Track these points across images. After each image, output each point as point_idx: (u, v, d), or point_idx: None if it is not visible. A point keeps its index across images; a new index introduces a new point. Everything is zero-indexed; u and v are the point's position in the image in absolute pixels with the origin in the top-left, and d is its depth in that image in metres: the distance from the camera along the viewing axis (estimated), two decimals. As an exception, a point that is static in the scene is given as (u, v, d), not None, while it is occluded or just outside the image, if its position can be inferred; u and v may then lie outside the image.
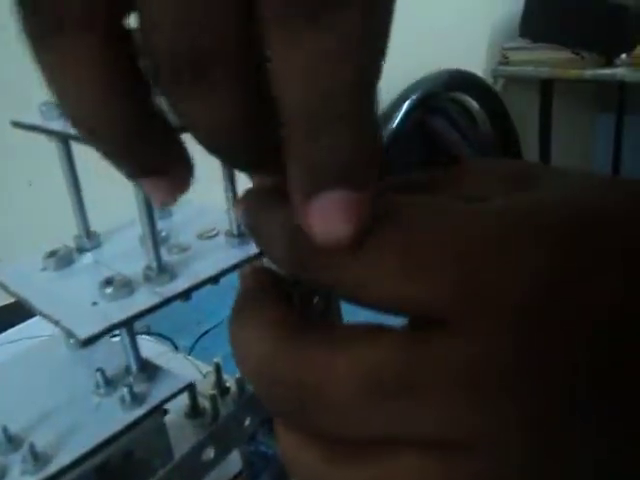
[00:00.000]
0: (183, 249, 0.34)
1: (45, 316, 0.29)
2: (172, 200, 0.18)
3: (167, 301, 0.30)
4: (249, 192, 0.19)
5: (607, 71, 1.72)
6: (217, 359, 0.41)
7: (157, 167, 0.17)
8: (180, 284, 0.31)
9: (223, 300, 0.65)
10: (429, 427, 0.14)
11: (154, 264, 0.31)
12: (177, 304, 0.51)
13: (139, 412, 0.30)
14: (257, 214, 0.18)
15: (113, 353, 0.34)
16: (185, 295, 0.30)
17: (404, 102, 1.50)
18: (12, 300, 0.32)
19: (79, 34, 0.14)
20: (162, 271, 0.31)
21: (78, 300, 0.30)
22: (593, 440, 0.14)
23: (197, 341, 0.51)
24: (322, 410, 0.15)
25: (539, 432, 0.14)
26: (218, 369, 0.41)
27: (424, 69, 1.58)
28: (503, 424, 0.14)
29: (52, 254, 0.33)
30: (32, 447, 0.28)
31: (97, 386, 0.32)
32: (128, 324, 0.29)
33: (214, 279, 0.31)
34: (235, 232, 0.34)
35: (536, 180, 0.18)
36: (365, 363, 0.14)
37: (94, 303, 0.30)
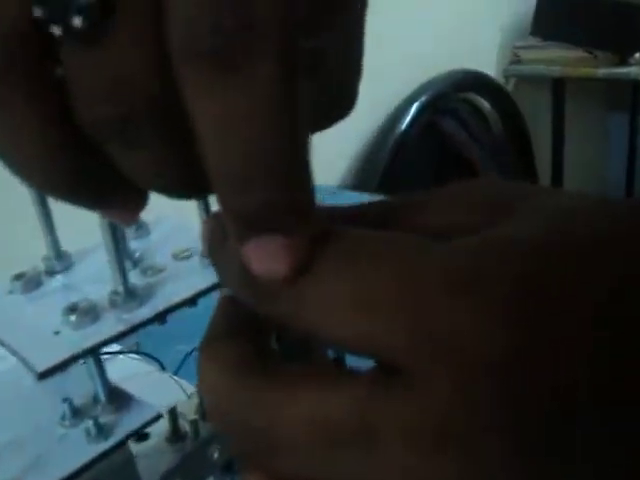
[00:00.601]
0: (158, 270, 0.32)
1: (3, 344, 0.28)
2: (130, 223, 0.18)
3: (134, 328, 0.28)
4: (212, 218, 0.18)
5: (621, 70, 1.69)
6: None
7: (106, 201, 0.16)
8: (149, 309, 0.29)
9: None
10: (381, 476, 0.14)
11: (121, 288, 0.29)
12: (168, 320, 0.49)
13: (104, 445, 0.29)
14: (214, 243, 0.17)
15: (83, 380, 0.32)
16: (156, 320, 0.29)
17: (413, 104, 1.48)
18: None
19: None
20: (129, 296, 0.29)
21: (40, 328, 0.29)
22: None
23: (184, 360, 0.49)
24: (274, 453, 0.15)
25: None
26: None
27: (434, 70, 1.56)
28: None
29: (19, 277, 0.32)
30: (-10, 484, 0.26)
31: (63, 417, 0.30)
32: (91, 354, 0.27)
33: (188, 302, 0.30)
34: (210, 253, 0.32)
35: (510, 210, 0.16)
36: (315, 409, 0.14)
37: (56, 332, 0.28)
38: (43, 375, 0.26)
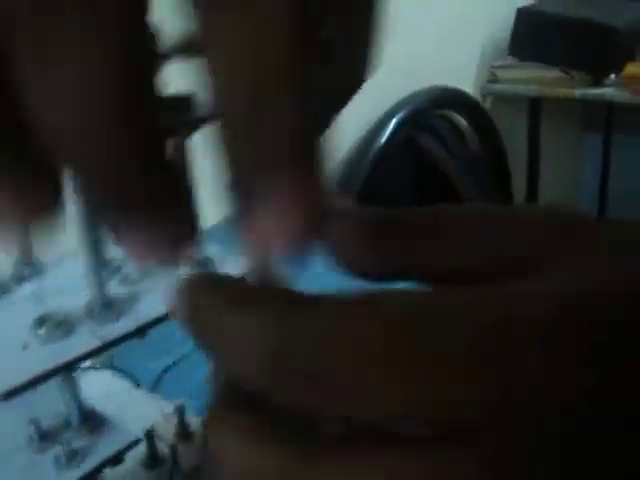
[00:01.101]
0: (136, 280, 0.29)
1: (-37, 361, 0.24)
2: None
3: (112, 343, 0.25)
4: (191, 281, 0.15)
5: (596, 91, 1.70)
6: (180, 400, 0.37)
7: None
8: (127, 323, 0.26)
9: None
10: None
11: (97, 299, 0.26)
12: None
13: (76, 474, 0.26)
14: (210, 311, 0.14)
15: (54, 399, 0.29)
16: (136, 335, 0.26)
17: (392, 119, 1.47)
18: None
19: None
20: (106, 307, 0.26)
21: (6, 341, 0.26)
22: None
23: (161, 376, 0.46)
24: None
25: None
26: (181, 412, 0.36)
27: (413, 86, 1.55)
28: None
29: (-17, 283, 0.29)
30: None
31: (30, 441, 0.27)
32: (62, 372, 0.24)
33: (168, 316, 0.27)
34: (196, 260, 0.29)
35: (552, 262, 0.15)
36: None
37: (24, 347, 0.25)
38: (8, 395, 0.23)
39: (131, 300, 0.28)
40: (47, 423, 0.27)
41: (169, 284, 0.29)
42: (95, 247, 0.26)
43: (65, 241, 0.33)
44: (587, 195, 2.24)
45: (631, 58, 1.66)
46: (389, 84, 1.49)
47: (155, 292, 0.29)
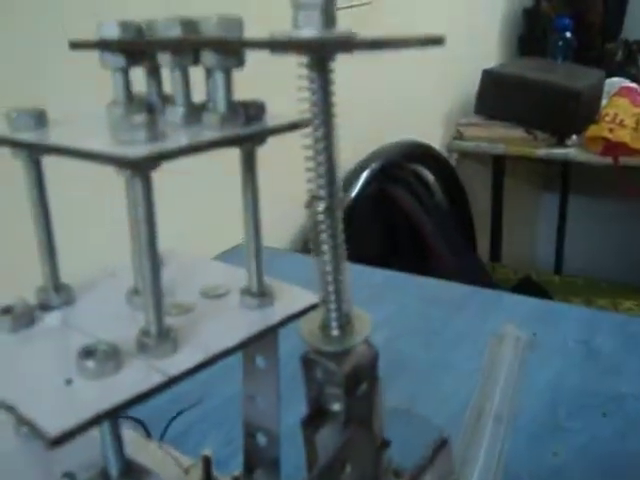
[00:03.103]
0: (185, 310, 0.26)
1: (-4, 399, 0.20)
2: None
3: (172, 381, 0.21)
4: None
5: (559, 150, 1.75)
6: (207, 451, 0.33)
7: None
8: (187, 357, 0.22)
9: (202, 377, 0.56)
10: None
11: (153, 328, 0.22)
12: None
13: (120, 539, 0.21)
14: None
15: (84, 447, 0.25)
16: (198, 370, 0.22)
17: (364, 170, 1.47)
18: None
19: None
20: (163, 338, 0.22)
21: (44, 376, 0.21)
22: None
23: (169, 424, 0.42)
24: None
25: None
26: (207, 464, 0.32)
27: (383, 140, 1.56)
28: None
29: (6, 311, 0.25)
30: None
31: (60, 498, 0.23)
32: (117, 413, 0.20)
33: (231, 352, 0.23)
34: (255, 290, 0.26)
35: None
36: None
37: (68, 381, 0.21)
38: (57, 442, 0.19)
39: (184, 332, 0.24)
40: (82, 476, 0.23)
41: (225, 317, 0.25)
42: (155, 270, 0.22)
43: (94, 264, 0.29)
44: (545, 252, 2.28)
45: (592, 120, 1.71)
46: (360, 137, 1.50)
47: (209, 325, 0.25)
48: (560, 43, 1.94)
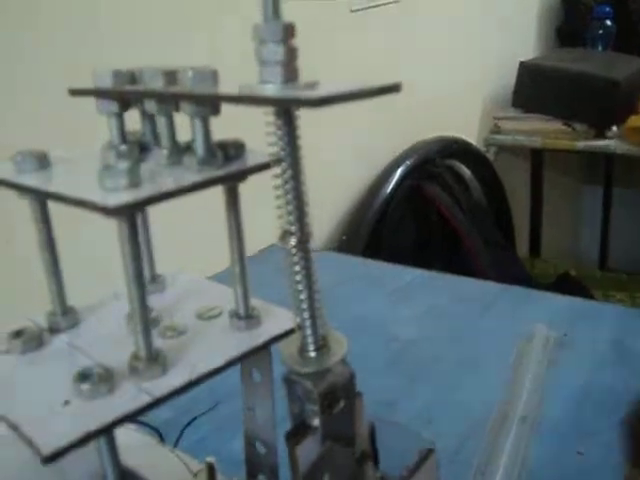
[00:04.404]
0: (179, 332, 0.28)
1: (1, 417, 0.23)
2: None
3: (157, 402, 0.24)
4: None
5: (599, 142, 1.72)
6: (210, 458, 0.35)
7: None
8: (174, 379, 0.25)
9: (218, 384, 0.58)
10: None
11: (142, 353, 0.25)
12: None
13: None
14: None
15: (84, 459, 0.28)
16: (184, 391, 0.24)
17: (399, 167, 1.47)
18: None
19: None
20: (152, 361, 0.25)
21: (45, 398, 0.24)
22: None
23: (183, 430, 0.44)
24: None
25: None
26: (211, 471, 0.34)
27: (418, 136, 1.56)
28: None
29: (18, 334, 0.27)
30: None
31: (63, 505, 0.25)
32: (106, 431, 0.23)
33: (216, 373, 0.26)
34: (242, 314, 0.28)
35: None
36: None
37: (66, 402, 0.24)
38: (50, 459, 0.21)
39: (175, 354, 0.26)
40: (82, 485, 0.26)
41: (215, 338, 0.28)
42: (143, 294, 0.24)
43: (100, 289, 0.32)
44: (588, 246, 2.24)
45: (633, 110, 1.68)
46: (395, 134, 1.50)
47: (199, 345, 0.27)
48: (600, 32, 1.90)
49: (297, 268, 0.24)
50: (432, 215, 1.51)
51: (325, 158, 1.34)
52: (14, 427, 0.22)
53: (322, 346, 0.26)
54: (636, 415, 0.24)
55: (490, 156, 1.83)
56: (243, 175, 0.25)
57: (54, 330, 0.29)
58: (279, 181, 0.24)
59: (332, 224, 1.41)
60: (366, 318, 0.99)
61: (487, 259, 1.50)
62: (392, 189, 1.44)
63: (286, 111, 0.22)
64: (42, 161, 0.27)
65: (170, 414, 0.45)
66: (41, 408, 0.23)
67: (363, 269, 1.16)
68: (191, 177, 0.24)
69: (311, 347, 0.26)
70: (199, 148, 0.25)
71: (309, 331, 0.25)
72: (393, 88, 0.22)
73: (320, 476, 0.26)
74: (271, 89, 0.21)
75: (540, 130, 1.79)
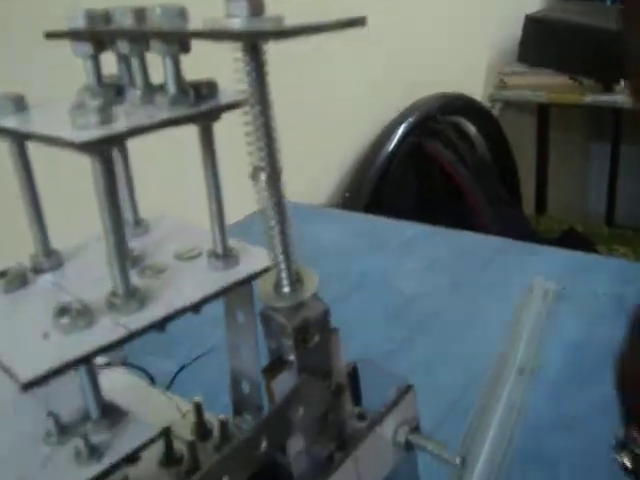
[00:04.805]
0: (158, 271, 0.29)
1: (-17, 350, 0.24)
2: None
3: (133, 335, 0.24)
4: None
5: (606, 97, 1.69)
6: (198, 398, 0.36)
7: None
8: (150, 314, 0.25)
9: (208, 330, 0.59)
10: None
11: (120, 289, 0.26)
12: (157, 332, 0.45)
13: (97, 468, 0.25)
14: None
15: (73, 393, 0.29)
16: (157, 327, 0.25)
17: (400, 125, 1.46)
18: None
19: None
20: (129, 297, 0.26)
21: (26, 331, 0.25)
22: None
23: (177, 374, 0.45)
24: None
25: None
26: (199, 409, 0.35)
27: (421, 92, 1.55)
28: None
29: (2, 274, 0.28)
30: (-40, 514, 0.22)
31: (48, 434, 0.26)
32: (83, 362, 0.24)
33: (193, 308, 0.26)
34: (220, 252, 0.29)
35: None
36: None
37: (45, 335, 0.24)
38: (28, 385, 0.22)
39: (151, 291, 0.27)
40: (66, 417, 0.27)
41: (192, 276, 0.28)
42: (120, 233, 0.25)
43: (83, 231, 0.32)
44: (595, 203, 2.23)
45: (641, 65, 1.65)
46: (397, 91, 1.49)
47: (175, 284, 0.28)
48: (609, -17, 1.87)
49: (269, 203, 0.25)
50: (435, 172, 1.51)
51: (325, 117, 1.33)
52: (-5, 358, 0.23)
53: (296, 282, 0.26)
54: (621, 355, 0.25)
55: (495, 112, 1.82)
56: (215, 113, 0.26)
57: (38, 271, 0.29)
58: (248, 118, 0.24)
59: (334, 182, 1.41)
60: (368, 273, 1.00)
61: (491, 215, 1.50)
62: (394, 146, 1.44)
63: (253, 46, 0.23)
64: (19, 104, 0.27)
65: (168, 367, 0.47)
66: (21, 340, 0.24)
67: (365, 225, 1.16)
68: (162, 115, 0.24)
69: (285, 282, 0.26)
70: (170, 87, 0.25)
71: (283, 266, 0.26)
72: (358, 21, 0.22)
73: (295, 407, 0.27)
74: (237, 22, 0.22)
75: (546, 85, 1.76)
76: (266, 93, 0.24)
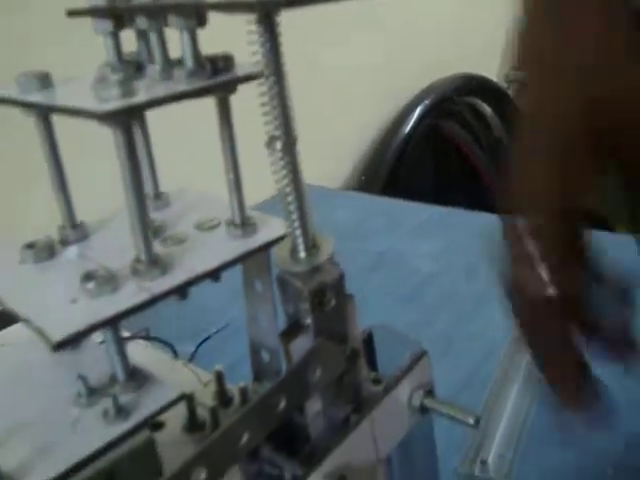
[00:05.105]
0: (179, 241, 0.30)
1: (14, 314, 0.25)
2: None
3: (156, 298, 0.26)
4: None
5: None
6: (219, 367, 0.37)
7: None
8: (172, 279, 0.27)
9: (227, 304, 0.61)
10: None
11: (143, 256, 0.27)
12: (179, 307, 0.46)
13: (124, 427, 0.26)
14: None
15: (100, 359, 0.30)
16: (179, 292, 0.26)
17: (417, 106, 1.46)
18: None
19: None
20: (152, 264, 0.27)
21: (55, 297, 0.26)
22: None
23: (198, 347, 0.47)
24: None
25: None
26: (220, 377, 0.37)
27: (437, 73, 1.55)
28: None
29: (30, 246, 0.29)
30: (-3, 467, 0.24)
31: (78, 396, 0.28)
32: (110, 324, 0.25)
33: (213, 274, 0.27)
34: (238, 222, 0.30)
35: None
36: None
37: (73, 300, 0.26)
38: (59, 345, 0.23)
39: (173, 259, 0.28)
40: (94, 380, 0.28)
41: (212, 245, 0.29)
42: (141, 204, 0.26)
43: (106, 204, 0.33)
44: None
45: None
46: (413, 73, 1.49)
47: (196, 252, 0.29)
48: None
49: (284, 172, 0.26)
50: (451, 154, 1.51)
51: (343, 99, 1.33)
52: (26, 321, 0.25)
53: (311, 247, 0.27)
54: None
55: (512, 93, 1.81)
56: (231, 85, 0.26)
57: (64, 242, 0.31)
58: (264, 88, 0.25)
59: (351, 165, 1.42)
60: (386, 254, 1.01)
61: (508, 196, 1.49)
62: (411, 128, 1.44)
63: (267, 16, 0.23)
64: (44, 81, 0.28)
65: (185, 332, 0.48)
66: (51, 305, 0.26)
67: (382, 207, 1.17)
68: (181, 87, 0.25)
69: (301, 247, 0.27)
70: (188, 60, 0.26)
71: (298, 232, 0.27)
72: (368, -8, 0.23)
73: (312, 369, 0.28)
74: (250, -6, 0.22)
75: (564, 65, 1.75)
76: (280, 63, 0.24)
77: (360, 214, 1.14)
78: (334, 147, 1.35)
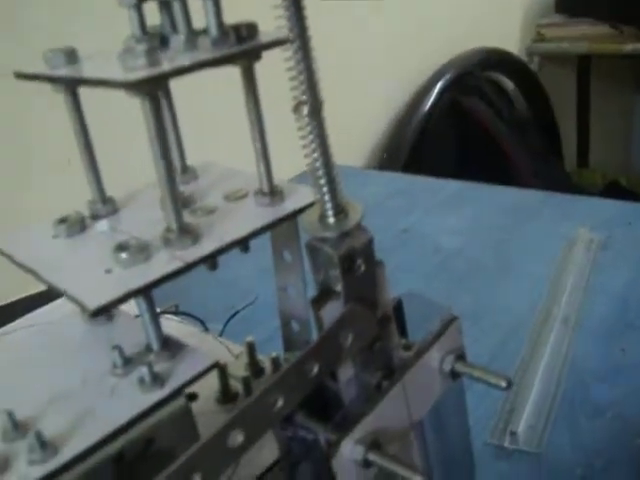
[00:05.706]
0: (209, 211, 0.30)
1: (51, 286, 0.26)
2: None
3: (189, 266, 0.26)
4: None
5: (648, 45, 1.64)
6: (250, 337, 0.38)
7: None
8: (203, 248, 0.27)
9: (256, 281, 0.61)
10: None
11: (174, 226, 0.27)
12: (208, 284, 0.47)
13: (160, 394, 0.27)
14: None
15: (134, 331, 0.30)
16: (210, 260, 0.27)
17: (438, 82, 1.45)
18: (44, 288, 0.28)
19: None
20: (183, 233, 0.27)
21: (89, 268, 0.27)
22: None
23: (228, 322, 0.47)
24: None
25: None
26: (251, 348, 0.37)
27: (457, 48, 1.53)
28: None
29: (62, 221, 0.30)
30: (40, 435, 0.24)
31: (114, 366, 0.28)
32: (144, 292, 0.25)
33: (242, 242, 0.28)
34: (266, 190, 0.30)
35: None
36: None
37: (107, 270, 0.26)
38: (96, 313, 0.24)
39: (204, 229, 0.28)
40: (129, 350, 0.28)
41: (241, 214, 0.29)
42: (171, 175, 0.26)
43: (135, 179, 0.34)
44: (639, 156, 2.18)
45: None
46: (433, 47, 1.48)
47: (225, 222, 0.29)
48: None
49: (311, 137, 0.26)
50: (473, 129, 1.49)
51: (363, 77, 1.33)
52: (63, 292, 0.25)
53: (340, 212, 0.27)
54: None
55: (534, 67, 1.78)
56: (256, 52, 0.26)
57: (95, 217, 0.31)
58: (289, 53, 0.25)
59: (372, 143, 1.41)
60: (411, 230, 1.00)
61: (531, 171, 1.48)
62: (431, 104, 1.43)
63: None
64: (71, 56, 0.28)
65: (214, 308, 0.49)
66: (86, 276, 0.26)
67: (406, 184, 1.17)
68: (205, 56, 0.25)
69: (330, 213, 0.27)
70: (212, 29, 0.26)
71: (327, 197, 0.27)
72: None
73: (344, 334, 0.28)
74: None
75: (586, 35, 1.72)
76: (305, 26, 0.24)
77: (383, 191, 1.13)
78: (355, 126, 1.34)
